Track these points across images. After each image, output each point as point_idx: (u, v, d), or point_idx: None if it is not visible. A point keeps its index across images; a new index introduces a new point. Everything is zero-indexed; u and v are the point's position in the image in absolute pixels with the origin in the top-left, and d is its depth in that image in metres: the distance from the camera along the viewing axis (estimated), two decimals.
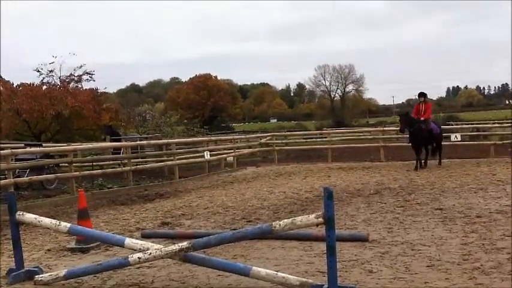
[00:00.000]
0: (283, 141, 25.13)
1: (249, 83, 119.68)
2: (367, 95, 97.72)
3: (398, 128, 16.81)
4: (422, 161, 16.33)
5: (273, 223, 5.05)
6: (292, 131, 34.38)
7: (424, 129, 15.78)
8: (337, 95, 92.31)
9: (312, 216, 4.86)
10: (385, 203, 9.94)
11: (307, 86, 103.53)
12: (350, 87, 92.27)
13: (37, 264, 6.42)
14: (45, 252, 7.38)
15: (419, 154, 16.16)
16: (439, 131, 16.67)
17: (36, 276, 5.77)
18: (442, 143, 17.20)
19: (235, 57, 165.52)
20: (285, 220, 4.99)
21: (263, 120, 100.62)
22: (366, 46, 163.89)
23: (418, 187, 11.92)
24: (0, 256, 7.20)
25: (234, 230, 6.89)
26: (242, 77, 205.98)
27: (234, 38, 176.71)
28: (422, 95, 16.44)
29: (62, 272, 5.75)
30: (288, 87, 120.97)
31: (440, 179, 13.26)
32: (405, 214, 8.70)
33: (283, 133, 28.23)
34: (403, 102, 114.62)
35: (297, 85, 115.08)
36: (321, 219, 4.74)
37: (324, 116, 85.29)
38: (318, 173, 16.51)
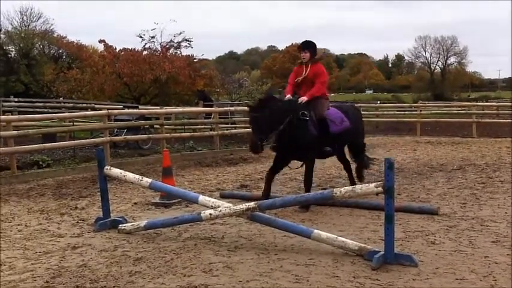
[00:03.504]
0: (373, 112, 24.81)
1: (345, 53, 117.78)
2: (470, 68, 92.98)
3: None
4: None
5: (334, 189, 5.27)
6: (385, 103, 33.76)
7: (309, 122, 7.65)
8: (437, 67, 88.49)
9: (372, 185, 5.03)
10: (466, 179, 9.76)
11: (406, 57, 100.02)
12: (452, 60, 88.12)
13: (123, 215, 7.05)
14: (132, 205, 8.05)
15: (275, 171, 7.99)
16: (349, 124, 8.23)
17: (120, 225, 6.39)
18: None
19: (332, 27, 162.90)
20: (346, 187, 5.19)
21: (358, 91, 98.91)
22: (472, 16, 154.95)
23: (505, 164, 11.52)
24: (92, 206, 7.98)
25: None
26: (339, 46, 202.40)
27: (332, 7, 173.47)
28: (305, 45, 8.05)
29: (143, 223, 6.32)
30: (386, 58, 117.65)
31: None
32: (484, 191, 8.54)
33: (373, 105, 27.84)
34: (510, 77, 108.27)
35: (396, 56, 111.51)
36: (380, 189, 4.90)
37: (423, 88, 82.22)
38: (404, 146, 16.31)
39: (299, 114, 7.56)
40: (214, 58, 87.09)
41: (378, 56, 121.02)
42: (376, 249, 5.08)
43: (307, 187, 7.90)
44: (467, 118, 20.63)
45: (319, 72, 8.04)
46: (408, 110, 24.49)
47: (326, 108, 8.05)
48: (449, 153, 14.11)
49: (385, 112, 25.08)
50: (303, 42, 8.13)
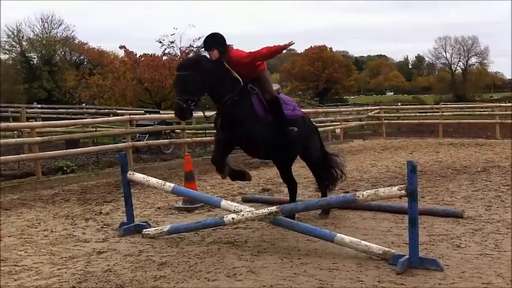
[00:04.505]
0: (394, 114, 24.62)
1: (365, 55, 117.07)
2: (492, 69, 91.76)
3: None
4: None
5: (357, 193, 5.25)
6: (406, 105, 33.48)
7: (254, 96, 6.35)
8: (458, 68, 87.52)
9: (395, 188, 5.00)
10: (490, 181, 9.64)
11: (426, 59, 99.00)
12: (473, 60, 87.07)
13: (147, 220, 7.11)
14: (155, 210, 8.11)
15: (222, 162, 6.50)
16: (301, 113, 7.33)
17: (144, 230, 6.44)
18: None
19: (351, 29, 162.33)
20: (368, 190, 5.17)
21: (379, 93, 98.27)
22: (493, 16, 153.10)
23: None
24: (116, 211, 8.06)
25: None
26: (358, 48, 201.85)
27: (351, 9, 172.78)
28: (209, 44, 6.21)
29: (166, 228, 6.37)
30: (406, 59, 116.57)
31: None
32: (509, 193, 8.41)
33: (394, 106, 27.63)
34: None
35: (416, 57, 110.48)
36: (403, 192, 4.87)
37: (444, 89, 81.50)
38: (426, 149, 16.17)
39: (248, 88, 6.25)
40: None
41: (397, 58, 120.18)
42: (401, 253, 5.04)
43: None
44: (490, 119, 20.37)
45: (244, 58, 6.23)
46: (430, 112, 24.21)
47: (270, 87, 6.45)
48: (472, 155, 13.95)
49: (407, 114, 24.81)
50: (204, 42, 6.32)
